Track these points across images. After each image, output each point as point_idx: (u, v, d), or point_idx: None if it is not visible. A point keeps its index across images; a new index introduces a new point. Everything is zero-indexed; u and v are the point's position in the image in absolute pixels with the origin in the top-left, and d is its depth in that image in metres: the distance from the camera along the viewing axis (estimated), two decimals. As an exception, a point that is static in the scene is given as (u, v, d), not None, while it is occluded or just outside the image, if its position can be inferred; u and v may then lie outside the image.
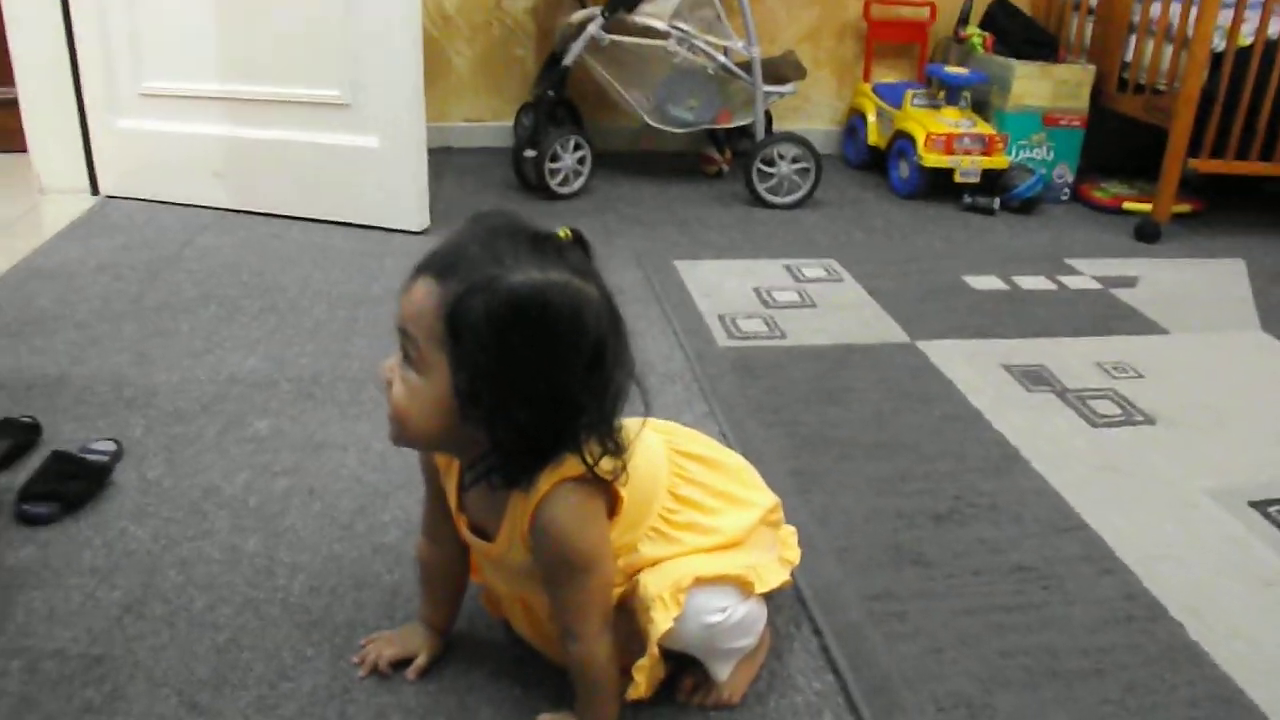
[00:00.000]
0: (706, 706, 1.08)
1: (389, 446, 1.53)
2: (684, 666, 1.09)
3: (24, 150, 2.75)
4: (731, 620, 1.01)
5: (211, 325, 1.97)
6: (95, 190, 2.74)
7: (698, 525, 1.02)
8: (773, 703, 1.10)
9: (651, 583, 0.97)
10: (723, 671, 1.06)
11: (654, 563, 1.00)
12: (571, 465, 0.91)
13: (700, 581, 0.98)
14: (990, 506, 1.48)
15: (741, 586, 1.02)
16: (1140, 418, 1.78)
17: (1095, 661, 1.18)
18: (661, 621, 0.96)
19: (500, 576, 1.06)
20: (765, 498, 1.11)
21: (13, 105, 2.68)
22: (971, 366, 1.93)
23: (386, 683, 1.10)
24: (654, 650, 0.99)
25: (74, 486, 1.41)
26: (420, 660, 1.11)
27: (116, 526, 1.36)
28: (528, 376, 0.85)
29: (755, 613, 1.05)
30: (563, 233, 0.90)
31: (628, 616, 1.00)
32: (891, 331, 2.09)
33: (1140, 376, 1.94)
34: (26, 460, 1.49)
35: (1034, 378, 1.91)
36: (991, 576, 1.32)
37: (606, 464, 0.91)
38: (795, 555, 1.14)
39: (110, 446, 1.52)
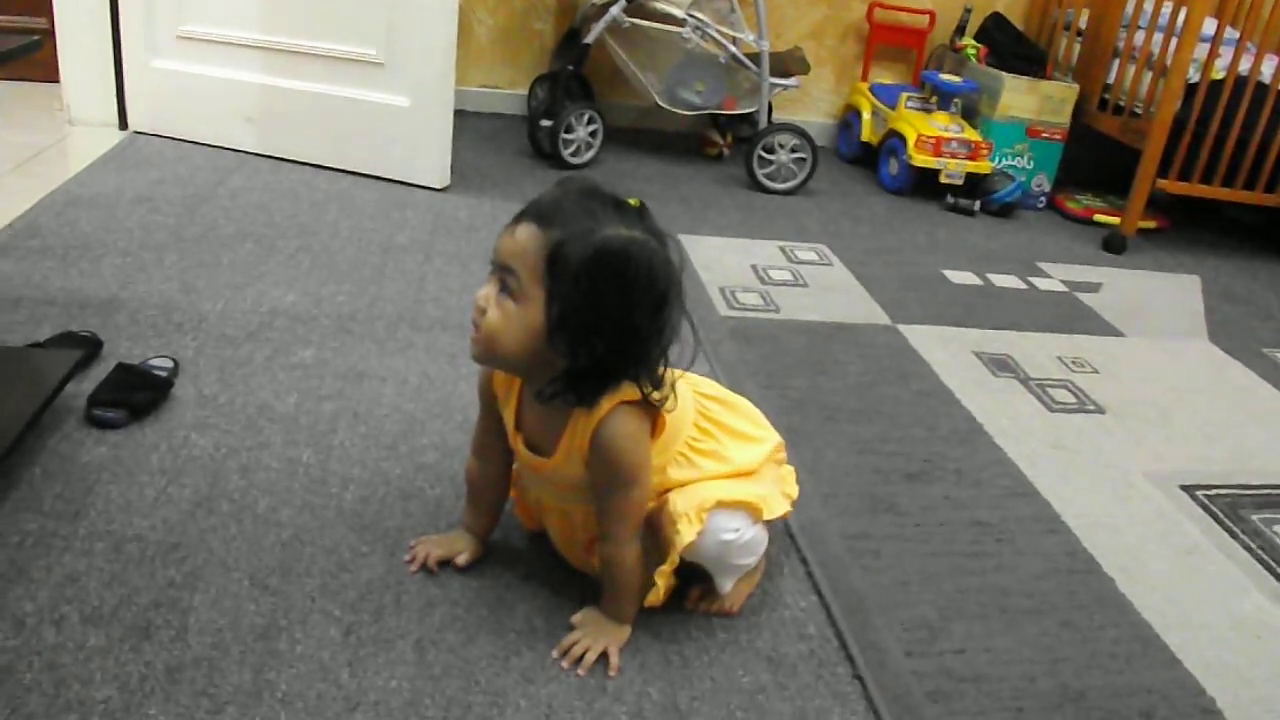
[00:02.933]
0: (711, 613, 1.27)
1: (425, 380, 1.71)
2: (690, 581, 1.27)
3: (55, 81, 2.84)
4: (742, 539, 1.19)
5: (250, 261, 2.10)
6: (124, 125, 2.82)
7: (717, 454, 1.21)
8: (765, 615, 1.29)
9: (679, 501, 1.16)
10: (726, 585, 1.24)
11: (679, 485, 1.18)
12: (627, 391, 1.09)
13: (721, 504, 1.17)
14: (956, 470, 1.67)
15: (752, 512, 1.20)
16: (1092, 407, 1.98)
17: (1037, 603, 1.38)
18: (686, 534, 1.14)
19: (547, 490, 1.23)
20: (772, 436, 1.30)
21: (47, 36, 2.76)
22: (945, 350, 2.12)
23: (434, 578, 1.27)
24: (675, 559, 1.17)
25: (140, 396, 1.55)
26: (463, 558, 1.28)
27: (180, 435, 1.50)
28: (608, 313, 1.03)
29: (760, 536, 1.23)
30: (633, 201, 1.07)
31: (652, 530, 1.18)
32: (875, 314, 2.27)
33: (1095, 372, 2.14)
34: (90, 371, 1.61)
35: (1000, 365, 2.10)
36: (954, 528, 1.52)
37: (656, 393, 1.09)
38: (794, 491, 1.32)
39: (168, 364, 1.66)
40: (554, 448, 1.15)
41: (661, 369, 1.11)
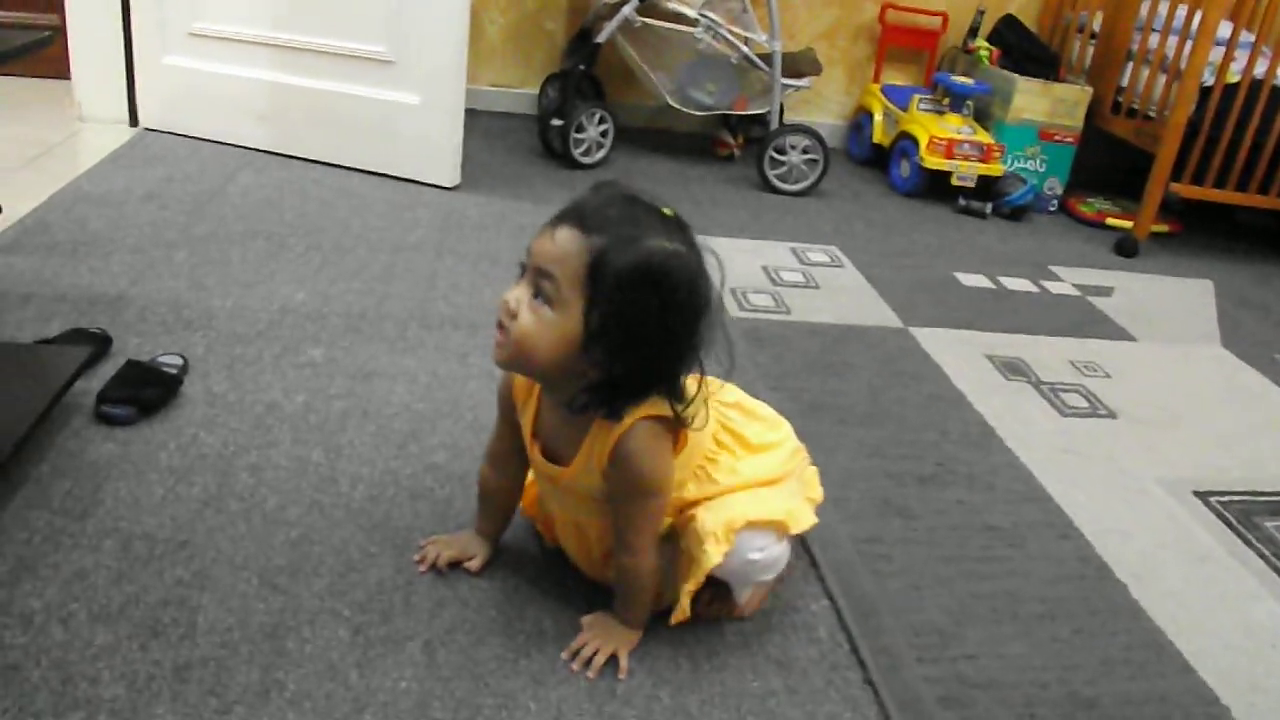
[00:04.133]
0: (722, 617, 1.26)
1: (435, 379, 1.71)
2: (705, 584, 1.26)
3: (66, 77, 2.84)
4: (769, 557, 1.18)
5: (260, 259, 2.10)
6: (134, 122, 2.83)
7: (733, 469, 1.19)
8: (776, 619, 1.28)
9: (708, 519, 1.14)
10: (744, 595, 1.23)
11: (697, 500, 1.16)
12: (651, 405, 1.07)
13: (750, 524, 1.14)
14: (968, 475, 1.66)
15: (780, 529, 1.18)
16: (1104, 411, 1.97)
17: (1050, 608, 1.37)
18: (714, 555, 1.12)
19: (562, 501, 1.22)
20: (791, 440, 1.28)
21: (58, 32, 2.76)
22: (957, 354, 2.11)
23: (444, 579, 1.26)
24: (701, 579, 1.15)
25: (149, 393, 1.55)
26: (475, 563, 1.27)
27: (188, 433, 1.50)
28: (647, 324, 1.02)
29: (784, 551, 1.21)
30: (668, 211, 1.06)
31: (672, 545, 1.17)
32: (886, 316, 2.26)
33: (1108, 376, 2.13)
34: (99, 368, 1.61)
35: (1012, 368, 2.09)
36: (966, 532, 1.51)
37: (684, 408, 1.08)
38: (819, 494, 1.30)
39: (178, 361, 1.65)
40: (572, 457, 1.14)
41: (693, 380, 1.09)
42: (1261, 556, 1.57)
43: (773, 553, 1.18)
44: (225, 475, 1.41)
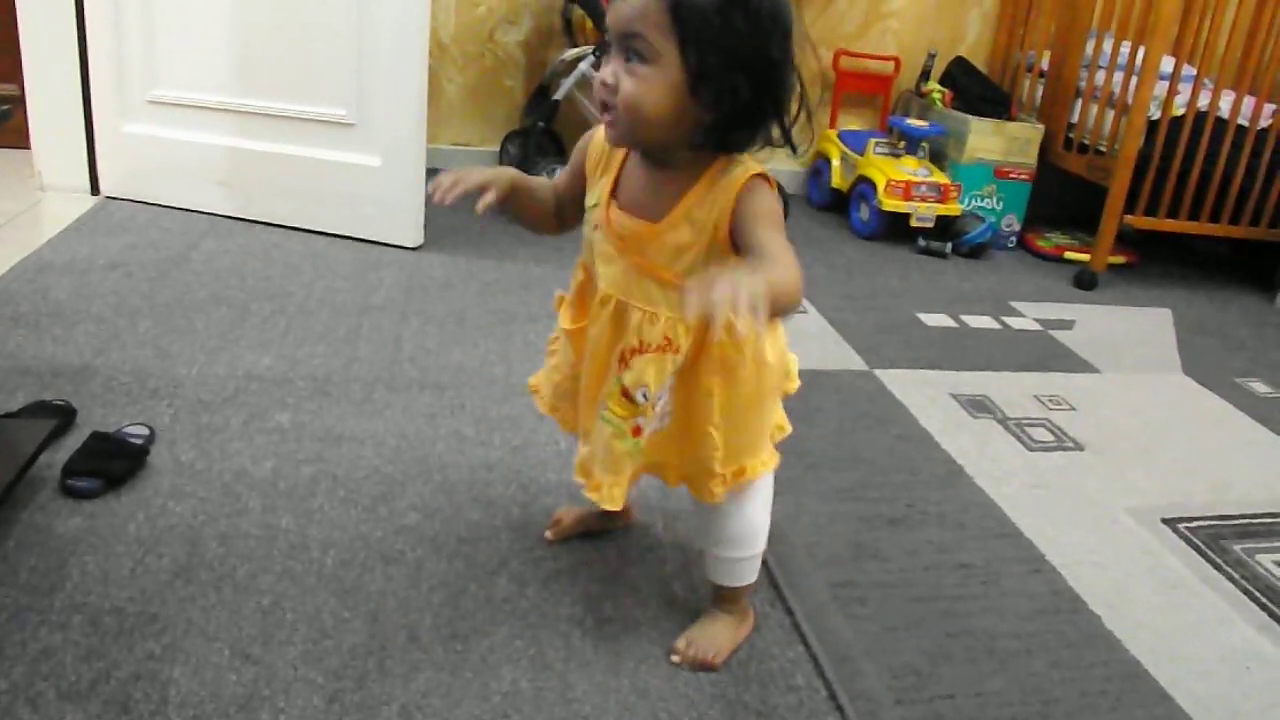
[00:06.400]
0: (696, 667, 1.26)
1: (403, 441, 1.70)
2: (676, 631, 1.27)
3: (26, 147, 2.84)
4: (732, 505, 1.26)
5: (224, 325, 2.09)
6: (95, 191, 2.82)
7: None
8: (753, 667, 1.28)
9: (719, 460, 1.20)
10: (718, 575, 1.29)
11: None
12: (756, 164, 1.11)
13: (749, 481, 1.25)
14: (938, 514, 1.67)
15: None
16: (1071, 444, 1.99)
17: (1026, 644, 1.38)
18: (719, 493, 1.22)
19: (624, 267, 1.17)
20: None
21: (18, 103, 2.77)
22: (922, 394, 2.13)
23: (418, 642, 1.25)
24: (677, 484, 1.26)
25: (115, 465, 1.53)
26: (493, 193, 1.22)
27: (156, 503, 1.48)
28: (743, 48, 1.03)
29: (759, 524, 1.30)
30: None
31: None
32: (852, 360, 2.28)
33: (1073, 409, 2.15)
34: (64, 441, 1.59)
35: (978, 406, 2.11)
36: (939, 572, 1.52)
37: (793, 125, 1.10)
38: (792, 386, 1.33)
39: (144, 431, 1.64)
40: (662, 215, 1.12)
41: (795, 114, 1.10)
42: (1231, 580, 1.59)
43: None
44: (194, 545, 1.40)
